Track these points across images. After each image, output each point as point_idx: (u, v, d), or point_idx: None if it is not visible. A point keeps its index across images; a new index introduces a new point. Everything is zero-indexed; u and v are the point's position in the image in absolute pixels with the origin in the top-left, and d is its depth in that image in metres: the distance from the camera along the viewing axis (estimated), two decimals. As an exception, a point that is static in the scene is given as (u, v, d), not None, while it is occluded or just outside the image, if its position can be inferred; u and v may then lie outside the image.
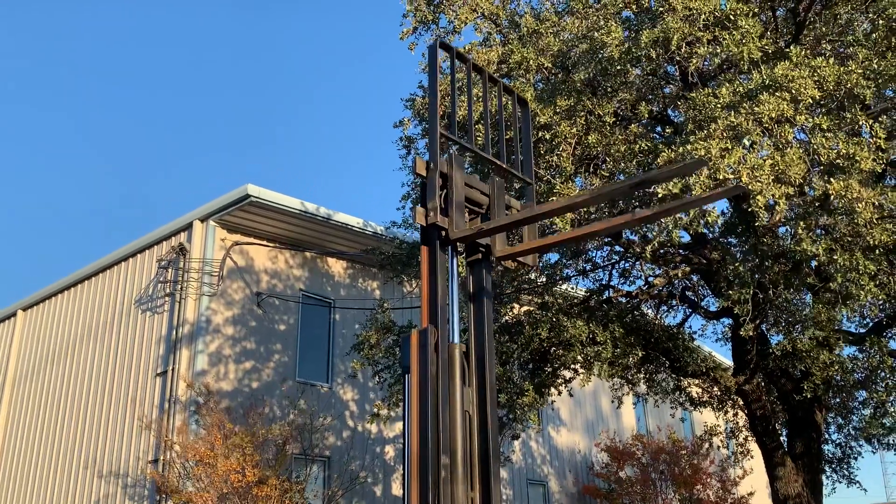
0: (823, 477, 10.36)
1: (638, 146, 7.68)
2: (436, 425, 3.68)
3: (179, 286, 12.63)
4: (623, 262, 10.49)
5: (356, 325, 13.70)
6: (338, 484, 12.40)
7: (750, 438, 12.07)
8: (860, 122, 6.40)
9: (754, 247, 7.70)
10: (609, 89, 8.18)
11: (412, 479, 3.68)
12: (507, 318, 10.27)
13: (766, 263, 7.67)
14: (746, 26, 6.63)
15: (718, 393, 12.03)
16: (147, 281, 13.60)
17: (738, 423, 12.68)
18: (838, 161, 6.14)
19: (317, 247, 14.13)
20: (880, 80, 6.44)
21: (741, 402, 11.19)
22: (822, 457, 10.64)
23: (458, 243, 4.18)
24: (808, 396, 8.45)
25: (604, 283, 10.54)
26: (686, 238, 9.47)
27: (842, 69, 6.50)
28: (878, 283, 6.71)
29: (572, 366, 10.22)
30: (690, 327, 11.09)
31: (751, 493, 18.43)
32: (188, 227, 13.03)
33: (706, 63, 7.89)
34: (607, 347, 8.97)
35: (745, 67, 6.80)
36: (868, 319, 9.12)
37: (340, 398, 13.99)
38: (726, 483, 18.03)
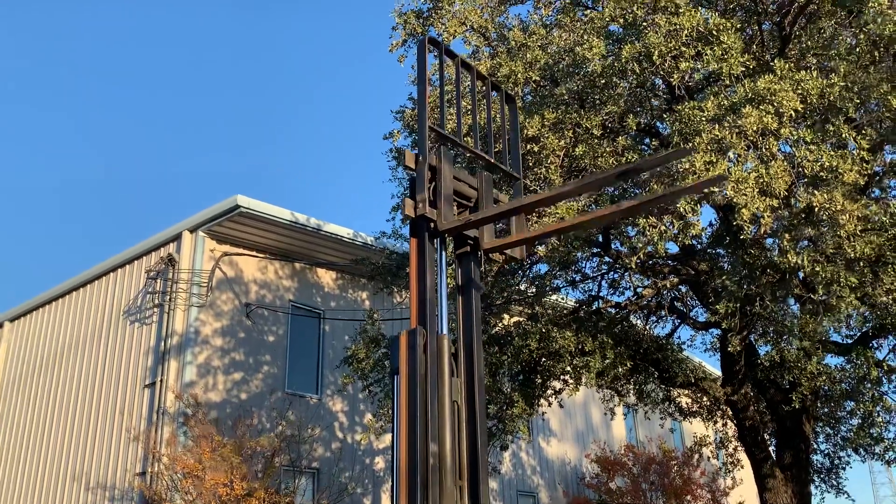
0: (812, 487, 10.39)
1: (625, 158, 7.73)
2: (424, 418, 3.71)
3: (168, 297, 12.59)
4: (612, 272, 10.53)
5: (346, 336, 13.68)
6: (327, 496, 12.34)
7: (739, 449, 12.10)
8: (844, 135, 6.46)
9: (742, 258, 7.75)
10: (596, 101, 8.24)
11: (401, 471, 3.69)
12: (496, 328, 10.28)
13: (755, 274, 7.72)
14: (729, 42, 6.70)
15: (708, 403, 12.06)
16: (135, 292, 13.55)
17: (727, 433, 12.71)
18: (822, 174, 6.19)
19: (306, 257, 14.11)
20: (863, 93, 6.51)
21: (730, 413, 11.22)
22: (811, 467, 10.67)
23: (446, 235, 4.26)
24: (797, 407, 8.48)
25: (593, 293, 10.58)
26: (674, 249, 9.52)
27: (825, 82, 6.57)
28: (859, 294, 6.76)
29: (562, 376, 10.23)
30: (679, 338, 11.13)
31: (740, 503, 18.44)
32: (177, 237, 13.00)
33: (690, 77, 7.96)
34: (596, 358, 8.99)
35: (728, 82, 6.86)
36: (854, 330, 9.18)
37: (330, 409, 13.94)
38: (716, 493, 18.04)
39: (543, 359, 9.68)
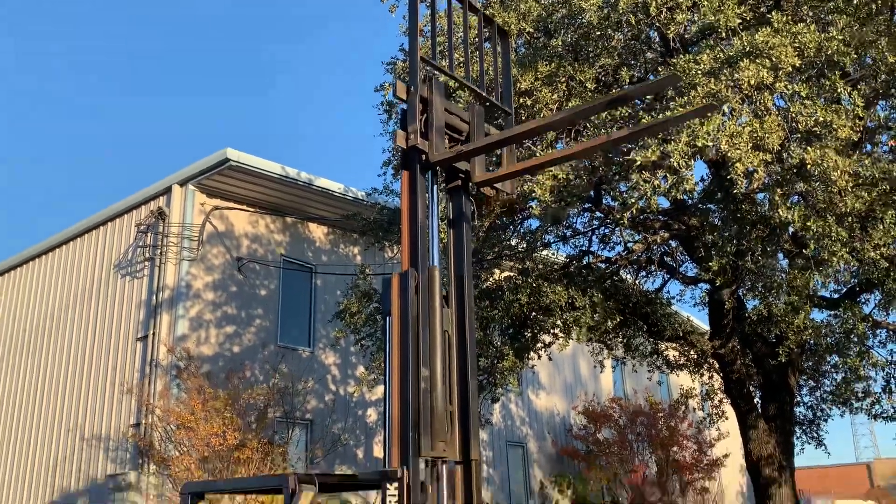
0: (794, 438, 10.61)
1: (619, 112, 7.67)
2: (416, 348, 3.76)
3: (159, 251, 12.55)
4: (603, 228, 10.55)
5: (338, 290, 13.72)
6: (319, 446, 12.52)
7: (725, 401, 12.31)
8: (839, 90, 6.42)
9: (733, 214, 7.76)
10: (591, 54, 8.13)
11: (393, 398, 3.73)
12: (487, 283, 10.32)
13: (745, 229, 7.75)
14: (726, -7, 6.60)
15: (695, 356, 12.22)
16: (126, 245, 13.49)
17: (713, 385, 12.91)
18: (816, 129, 6.17)
19: (298, 212, 14.05)
20: (860, 48, 6.45)
21: (717, 366, 11.38)
22: (794, 419, 10.88)
23: (438, 167, 4.26)
24: (783, 360, 8.60)
25: (584, 248, 10.61)
26: (665, 204, 9.53)
27: (822, 35, 6.50)
28: (850, 249, 6.81)
29: (552, 330, 10.32)
30: (668, 292, 11.23)
31: (726, 455, 18.86)
32: (167, 191, 12.90)
33: (686, 29, 7.86)
34: (586, 312, 9.06)
35: (724, 35, 6.78)
36: (842, 285, 9.26)
37: (322, 362, 14.06)
38: (702, 444, 18.43)
39: (534, 313, 9.75)
